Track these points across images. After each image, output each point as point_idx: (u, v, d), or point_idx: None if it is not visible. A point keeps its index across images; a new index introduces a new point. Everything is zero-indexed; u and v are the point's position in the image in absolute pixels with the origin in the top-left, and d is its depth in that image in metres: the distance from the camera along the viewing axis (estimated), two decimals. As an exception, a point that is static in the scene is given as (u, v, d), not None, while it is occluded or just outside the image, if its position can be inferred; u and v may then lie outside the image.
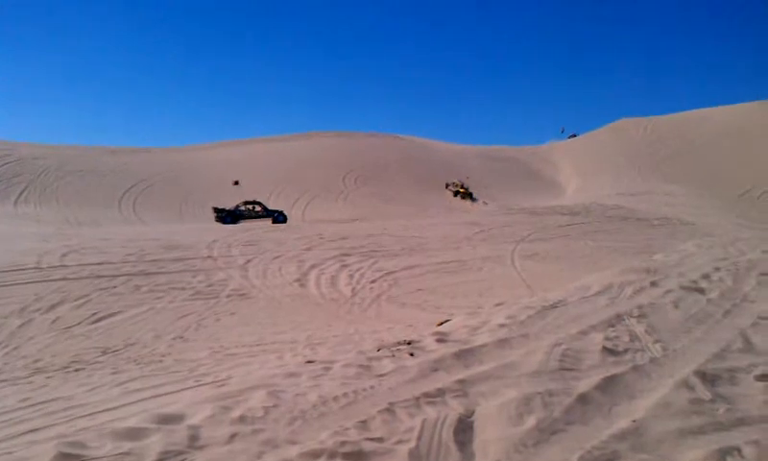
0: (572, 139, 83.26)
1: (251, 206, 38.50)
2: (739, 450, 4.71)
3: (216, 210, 37.85)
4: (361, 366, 6.22)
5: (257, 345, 10.51)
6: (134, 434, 4.64)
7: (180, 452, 4.37)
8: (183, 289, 14.55)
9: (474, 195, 56.57)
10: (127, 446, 4.44)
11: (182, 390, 7.72)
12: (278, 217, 37.58)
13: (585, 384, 5.86)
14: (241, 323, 12.22)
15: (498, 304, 10.51)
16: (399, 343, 7.13)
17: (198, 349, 10.27)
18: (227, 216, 36.77)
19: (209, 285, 15.04)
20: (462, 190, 56.92)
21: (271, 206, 40.76)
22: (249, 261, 17.86)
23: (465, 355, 6.59)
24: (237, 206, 38.51)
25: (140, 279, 15.21)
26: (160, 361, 9.58)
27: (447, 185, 58.26)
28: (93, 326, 11.69)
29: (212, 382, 7.99)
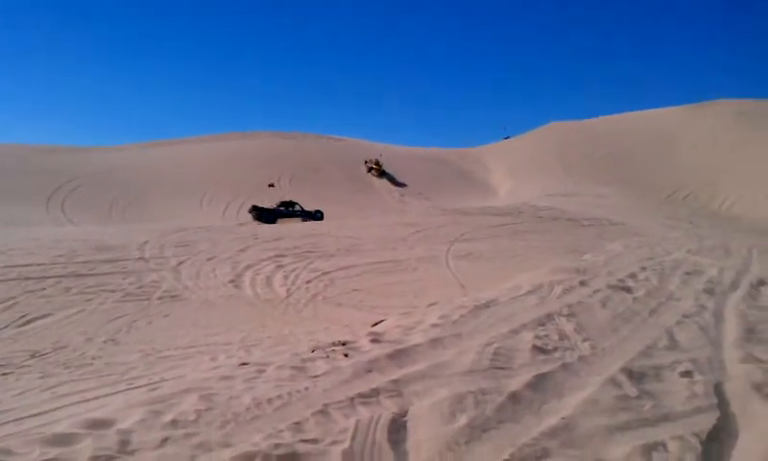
0: (505, 141, 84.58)
1: (284, 207, 39.24)
2: (665, 445, 4.87)
3: (255, 209, 38.24)
4: (295, 368, 6.22)
5: (191, 347, 10.38)
6: (63, 440, 4.55)
7: (111, 458, 4.30)
8: (114, 291, 14.25)
9: (387, 172, 61.77)
10: (55, 451, 4.35)
11: (113, 394, 7.57)
12: (316, 214, 38.52)
13: (516, 383, 5.98)
14: (174, 325, 12.03)
15: (432, 304, 10.62)
16: (334, 344, 7.15)
17: (129, 351, 10.07)
18: (267, 215, 37.09)
19: (141, 287, 14.76)
20: (376, 167, 62.13)
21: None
22: (181, 262, 17.59)
23: (399, 355, 6.65)
24: (276, 206, 39.27)
25: (70, 280, 14.84)
26: (91, 364, 9.37)
27: (366, 162, 63.20)
28: (21, 329, 11.34)
29: (144, 386, 7.86)
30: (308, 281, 16.21)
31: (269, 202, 41.33)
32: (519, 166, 66.49)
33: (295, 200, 41.70)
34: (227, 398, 5.41)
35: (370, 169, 62.55)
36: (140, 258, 17.80)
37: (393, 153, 70.63)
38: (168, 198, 44.76)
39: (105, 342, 10.74)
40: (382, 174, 61.77)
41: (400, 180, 60.42)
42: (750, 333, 8.38)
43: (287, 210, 38.71)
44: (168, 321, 12.39)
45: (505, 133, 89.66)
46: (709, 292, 11.13)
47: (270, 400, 5.35)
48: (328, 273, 17.28)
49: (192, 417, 4.96)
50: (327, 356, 6.58)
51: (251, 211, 38.42)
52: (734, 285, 12.03)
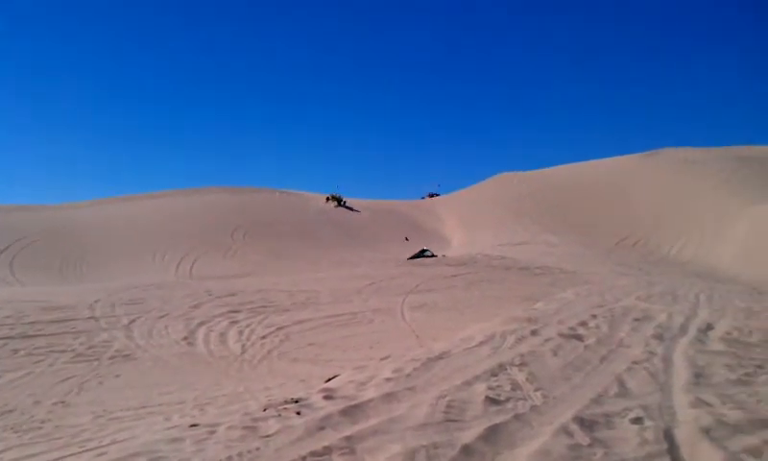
0: (436, 197, 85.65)
1: (420, 253, 45.00)
2: (615, 493, 4.95)
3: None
4: (246, 427, 6.18)
5: (143, 407, 10.22)
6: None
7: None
8: (64, 352, 14.00)
9: (343, 201, 70.34)
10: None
11: (64, 457, 7.42)
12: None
13: (468, 435, 6.02)
14: (126, 385, 11.85)
15: (385, 358, 10.62)
16: (286, 401, 7.12)
17: (80, 413, 9.89)
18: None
19: (91, 347, 14.53)
20: (332, 196, 70.59)
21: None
22: (133, 321, 17.36)
23: (351, 411, 6.64)
24: (415, 254, 44.73)
25: (18, 342, 14.54)
26: (40, 428, 9.17)
27: (327, 198, 71.11)
28: (-34, 394, 11.08)
29: (95, 448, 7.72)
30: (263, 337, 16.10)
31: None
32: (471, 216, 67.10)
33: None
34: None
35: (327, 199, 69.91)
36: (91, 317, 17.52)
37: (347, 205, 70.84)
38: (121, 255, 44.06)
39: (54, 404, 10.53)
40: (339, 201, 69.56)
41: (356, 208, 67.47)
42: (698, 378, 8.55)
43: (421, 255, 43.65)
44: (120, 381, 12.20)
45: (434, 191, 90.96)
46: (659, 338, 11.33)
47: (221, 462, 5.31)
48: (284, 328, 17.19)
49: (142, 481, 4.90)
50: (279, 415, 6.55)
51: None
52: (683, 330, 12.25)
